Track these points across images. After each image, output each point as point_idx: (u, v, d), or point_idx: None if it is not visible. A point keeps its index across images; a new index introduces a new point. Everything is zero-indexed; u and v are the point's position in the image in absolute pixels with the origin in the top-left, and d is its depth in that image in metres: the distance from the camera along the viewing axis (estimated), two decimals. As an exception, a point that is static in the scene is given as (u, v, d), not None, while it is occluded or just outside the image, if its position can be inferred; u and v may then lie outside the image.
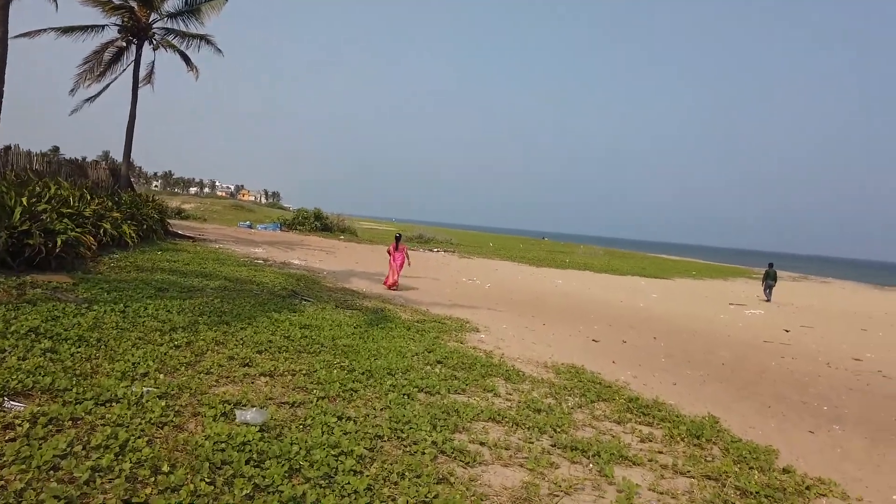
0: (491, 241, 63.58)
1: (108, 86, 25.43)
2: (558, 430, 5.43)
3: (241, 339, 7.05)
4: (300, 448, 3.94)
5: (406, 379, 6.33)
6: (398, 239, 18.38)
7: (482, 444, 4.83)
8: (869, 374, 11.86)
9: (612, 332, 13.30)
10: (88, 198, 15.99)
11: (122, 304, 7.81)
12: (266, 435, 4.11)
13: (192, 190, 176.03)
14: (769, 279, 27.72)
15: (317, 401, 5.11)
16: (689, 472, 4.86)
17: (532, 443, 5.04)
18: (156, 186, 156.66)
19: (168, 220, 26.60)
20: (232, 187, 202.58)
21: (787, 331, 17.94)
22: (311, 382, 5.68)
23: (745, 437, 6.30)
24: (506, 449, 4.80)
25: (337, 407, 5.07)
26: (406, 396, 5.71)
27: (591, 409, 6.42)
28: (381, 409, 5.23)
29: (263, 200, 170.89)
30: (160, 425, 4.03)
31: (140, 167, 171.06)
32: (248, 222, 45.05)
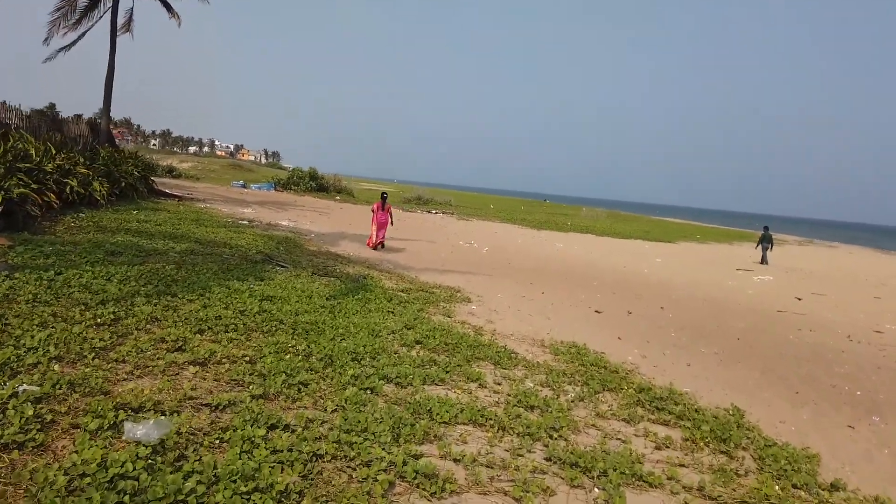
0: (492, 203, 62.19)
1: (83, 34, 23.86)
2: (555, 435, 4.37)
3: (184, 314, 5.96)
4: (199, 481, 2.86)
5: (373, 366, 5.26)
6: (384, 198, 17.51)
7: (457, 460, 3.76)
8: (893, 348, 10.86)
9: (616, 302, 12.25)
10: (53, 152, 14.76)
11: (52, 271, 6.71)
12: (159, 460, 3.04)
13: (192, 149, 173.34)
14: (765, 241, 27.54)
15: (250, 401, 4.03)
16: (720, 496, 3.81)
17: (521, 456, 3.97)
18: (154, 145, 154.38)
19: (153, 179, 25.35)
20: (231, 147, 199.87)
21: (799, 299, 16.94)
22: (252, 374, 4.60)
23: (777, 437, 5.27)
24: (487, 467, 3.74)
25: (274, 409, 4.00)
26: (369, 391, 4.64)
27: (594, 403, 5.35)
28: (333, 411, 4.17)
29: (263, 160, 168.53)
30: (11, 447, 2.97)
31: (139, 125, 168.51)
32: (241, 182, 43.73)
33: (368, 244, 16.48)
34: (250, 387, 4.30)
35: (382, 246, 16.59)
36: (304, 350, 5.39)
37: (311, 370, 4.91)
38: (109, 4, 23.22)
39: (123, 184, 19.44)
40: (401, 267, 13.08)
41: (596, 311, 10.69)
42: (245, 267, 9.29)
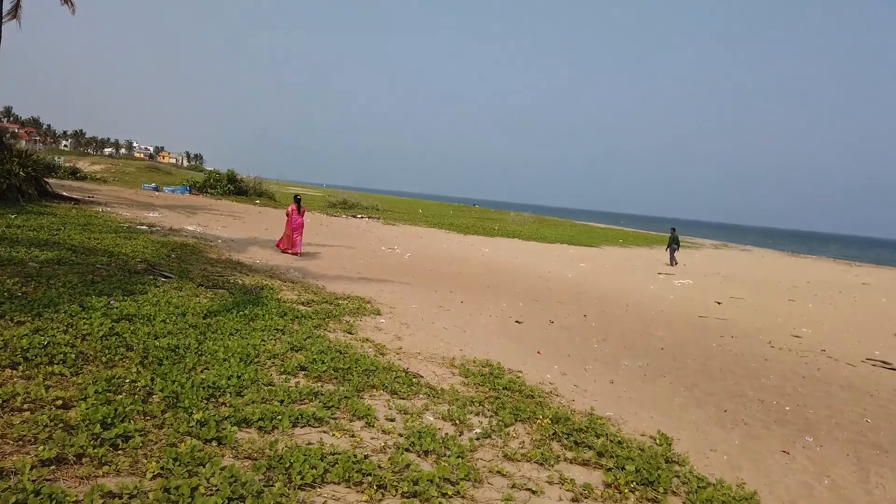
0: (420, 207, 61.44)
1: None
2: (450, 492, 3.50)
3: (2, 341, 4.74)
4: None
5: (233, 405, 4.22)
6: (298, 201, 16.64)
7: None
8: (813, 354, 10.76)
9: (538, 310, 11.63)
10: None
11: None
12: None
13: (107, 151, 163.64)
14: (672, 243, 28.22)
15: (30, 470, 2.93)
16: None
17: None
18: (65, 146, 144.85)
19: (47, 181, 23.02)
20: (151, 149, 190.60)
21: (718, 303, 17.01)
22: (55, 426, 3.50)
23: (709, 470, 4.64)
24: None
25: (58, 484, 2.92)
26: (214, 443, 3.63)
27: (503, 440, 4.52)
28: (154, 477, 3.13)
29: (185, 163, 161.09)
30: None
31: (49, 125, 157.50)
32: (153, 185, 41.00)
33: (279, 245, 15.76)
34: (41, 447, 3.19)
35: (299, 253, 15.67)
36: (144, 387, 4.29)
37: (147, 415, 3.84)
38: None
39: (5, 185, 17.42)
40: (311, 275, 12.00)
41: (516, 322, 10.01)
42: (116, 279, 7.98)
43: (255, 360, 5.39)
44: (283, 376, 5.17)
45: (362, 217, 37.69)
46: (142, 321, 6.00)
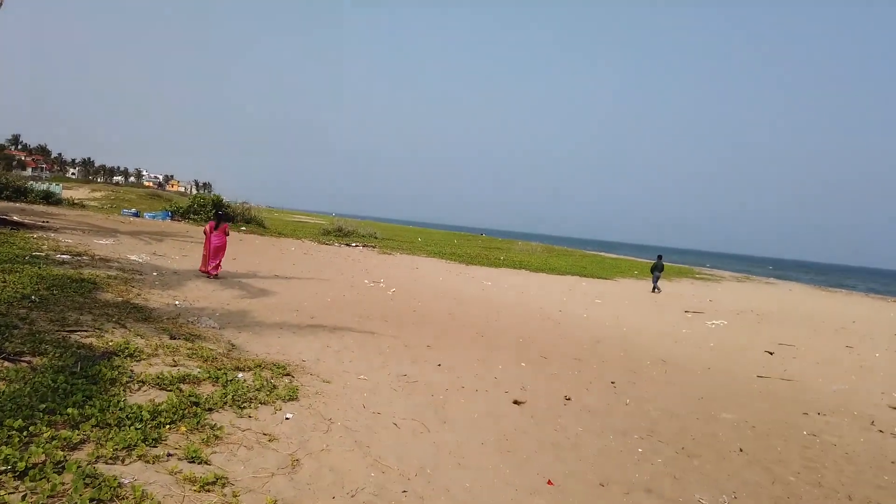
0: (422, 235, 58.31)
1: None
2: None
3: None
4: None
5: None
6: (220, 217, 14.78)
7: None
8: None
9: (547, 375, 8.43)
10: None
11: None
12: None
13: (117, 179, 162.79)
14: (656, 270, 27.54)
15: None
16: None
17: None
18: (72, 174, 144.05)
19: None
20: (160, 177, 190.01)
21: (770, 353, 13.74)
22: None
23: None
24: None
25: None
26: None
27: None
28: None
29: (194, 191, 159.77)
30: None
31: (59, 154, 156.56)
32: (133, 210, 38.32)
33: (202, 269, 14.07)
34: None
35: (216, 277, 13.88)
36: None
37: None
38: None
39: None
40: (241, 323, 8.90)
41: (515, 402, 6.75)
42: None
43: None
44: None
45: (356, 245, 34.70)
46: None
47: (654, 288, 26.96)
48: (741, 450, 6.23)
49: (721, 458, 5.90)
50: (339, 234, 41.92)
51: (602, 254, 70.30)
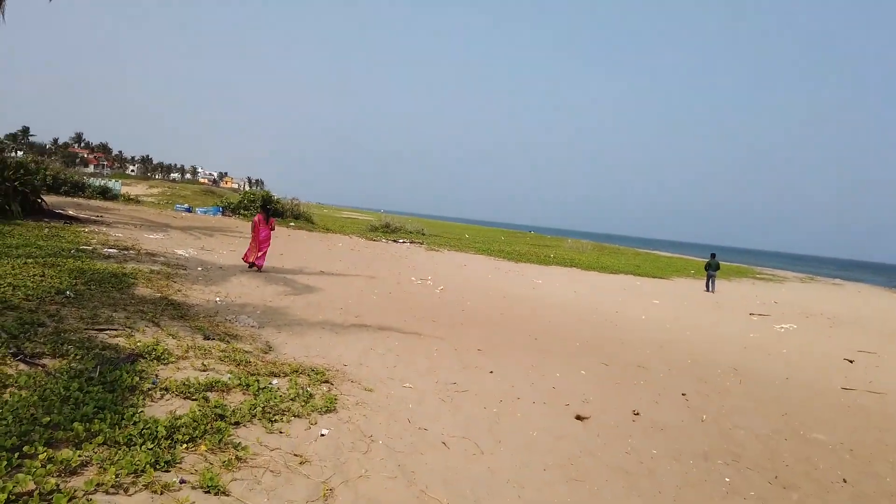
0: (467, 232, 57.59)
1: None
2: None
3: None
4: None
5: None
6: (268, 211, 14.90)
7: None
8: None
9: (611, 384, 7.65)
10: None
11: None
12: None
13: (174, 176, 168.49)
14: (711, 269, 26.58)
15: None
16: None
17: None
18: (132, 171, 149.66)
19: (42, 199, 20.71)
20: (215, 174, 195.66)
21: (850, 361, 12.52)
22: None
23: None
24: None
25: None
26: None
27: None
28: None
29: (247, 187, 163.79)
30: None
31: (120, 152, 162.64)
32: (186, 206, 39.04)
33: (245, 259, 14.23)
34: None
35: (260, 270, 14.00)
36: None
37: None
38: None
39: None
40: (282, 322, 8.44)
41: (577, 417, 6.01)
42: None
43: None
44: None
45: (403, 242, 34.32)
46: None
47: (708, 287, 26.16)
48: (845, 480, 5.34)
49: (824, 491, 5.03)
50: (387, 230, 41.70)
51: (656, 252, 68.05)
